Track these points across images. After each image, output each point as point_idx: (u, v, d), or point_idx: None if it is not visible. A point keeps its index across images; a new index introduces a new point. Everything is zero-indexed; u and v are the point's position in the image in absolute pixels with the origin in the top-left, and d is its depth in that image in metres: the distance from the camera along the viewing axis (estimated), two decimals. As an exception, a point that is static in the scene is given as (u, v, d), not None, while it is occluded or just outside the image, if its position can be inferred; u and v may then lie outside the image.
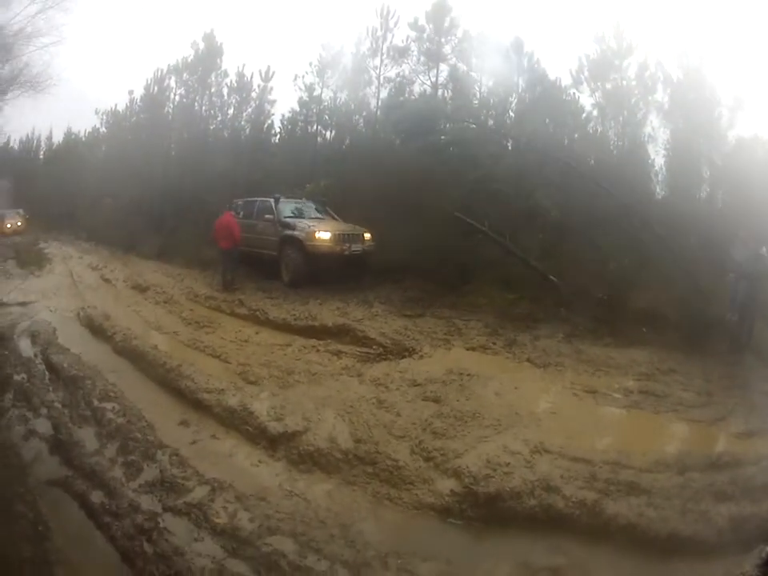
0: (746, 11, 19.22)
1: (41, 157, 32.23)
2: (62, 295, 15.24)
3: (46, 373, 9.69)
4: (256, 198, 18.33)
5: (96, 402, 8.35)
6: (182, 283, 16.33)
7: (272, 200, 17.48)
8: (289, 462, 7.11)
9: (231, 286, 16.24)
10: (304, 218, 17.34)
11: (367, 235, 16.58)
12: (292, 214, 17.31)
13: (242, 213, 18.21)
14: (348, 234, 16.22)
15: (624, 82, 19.31)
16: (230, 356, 10.72)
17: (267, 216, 17.13)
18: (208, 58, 24.52)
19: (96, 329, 12.08)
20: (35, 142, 32.28)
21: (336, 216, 18.11)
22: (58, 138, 31.95)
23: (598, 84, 19.55)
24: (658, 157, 19.19)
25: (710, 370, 10.69)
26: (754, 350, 11.61)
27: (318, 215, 18.08)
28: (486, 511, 6.16)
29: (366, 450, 7.12)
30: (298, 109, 23.35)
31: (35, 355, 10.58)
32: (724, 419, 8.71)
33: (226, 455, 7.28)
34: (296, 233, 16.06)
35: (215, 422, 8.12)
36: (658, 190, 19.22)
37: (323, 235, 15.72)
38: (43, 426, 7.72)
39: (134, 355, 10.52)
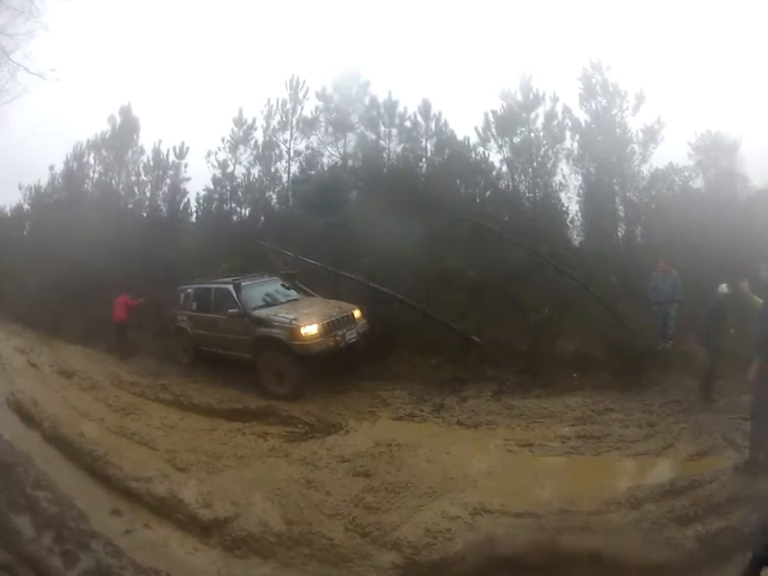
0: (650, 42, 19.90)
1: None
2: (-9, 378, 14.83)
3: (-21, 457, 9.51)
4: (209, 285, 15.40)
5: (29, 490, 8.31)
6: (106, 369, 15.61)
7: (231, 286, 14.42)
8: (224, 549, 7.22)
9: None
10: (276, 303, 14.45)
11: (357, 313, 14.03)
12: (261, 301, 14.29)
13: (195, 304, 15.46)
14: (338, 319, 13.36)
15: (532, 134, 19.87)
16: (157, 442, 10.68)
17: (231, 310, 13.90)
18: (125, 133, 24.34)
19: (25, 414, 11.94)
20: (-39, 214, 31.42)
21: (311, 291, 15.57)
22: (-16, 211, 31.17)
23: (506, 139, 20.07)
24: (571, 204, 19.79)
25: (650, 402, 11.13)
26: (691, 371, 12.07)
27: (290, 295, 15.16)
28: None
29: (300, 531, 7.25)
30: (212, 186, 23.19)
31: (-34, 438, 10.35)
32: (671, 446, 9.20)
33: (161, 544, 7.35)
34: (274, 331, 13.01)
35: (147, 511, 8.15)
36: (574, 236, 19.85)
37: (310, 330, 12.65)
38: (-21, 510, 7.62)
39: (63, 443, 10.45)
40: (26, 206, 28.50)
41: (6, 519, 7.46)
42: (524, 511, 7.25)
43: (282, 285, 15.55)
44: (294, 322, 12.77)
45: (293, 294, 15.32)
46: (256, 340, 13.30)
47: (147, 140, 24.43)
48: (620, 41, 20.72)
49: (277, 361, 12.94)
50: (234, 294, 14.16)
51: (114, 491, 8.77)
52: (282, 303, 14.50)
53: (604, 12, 20.92)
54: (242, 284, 14.48)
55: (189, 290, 15.90)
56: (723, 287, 11.52)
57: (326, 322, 12.96)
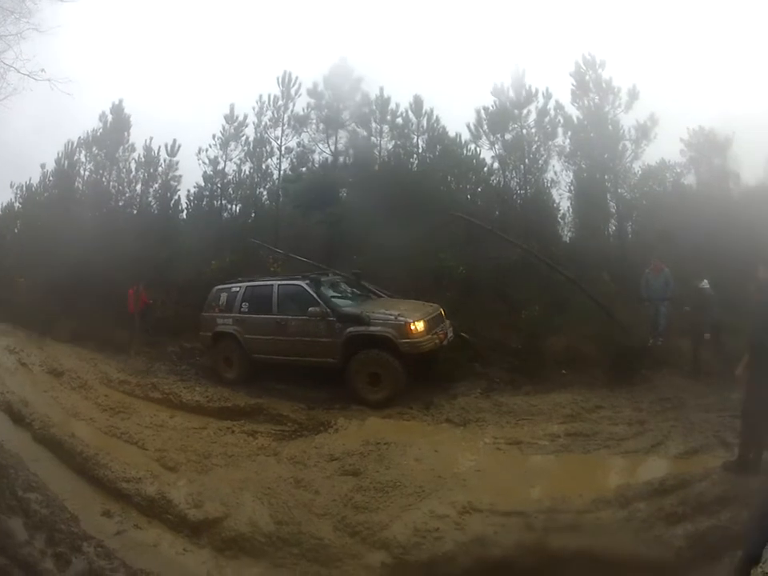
0: (643, 38, 19.97)
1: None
2: (-19, 380, 14.74)
3: (-30, 458, 9.46)
4: (269, 281, 14.06)
5: (21, 492, 8.28)
6: (95, 368, 15.50)
7: (305, 284, 13.14)
8: (214, 549, 7.23)
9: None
10: (352, 300, 13.44)
11: (442, 311, 13.21)
12: (339, 300, 13.15)
13: (245, 305, 13.86)
14: (434, 317, 12.58)
15: (524, 131, 20.03)
16: (147, 442, 10.61)
17: (313, 308, 12.55)
18: (116, 131, 24.35)
19: (15, 415, 11.88)
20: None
21: (378, 291, 14.54)
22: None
23: (498, 136, 20.20)
24: (563, 200, 20.09)
25: (640, 399, 11.16)
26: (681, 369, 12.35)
27: (360, 294, 14.09)
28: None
29: (289, 531, 7.24)
30: (203, 183, 23.23)
31: (-44, 438, 10.32)
32: (661, 444, 9.16)
33: (151, 545, 7.35)
34: (376, 329, 11.94)
35: (137, 512, 8.14)
36: (565, 232, 20.12)
37: (419, 326, 11.77)
38: (-27, 513, 7.59)
39: (53, 444, 10.40)
40: (17, 205, 28.47)
41: None
42: (513, 510, 7.21)
43: (345, 282, 14.53)
44: (400, 318, 11.87)
45: (362, 293, 14.23)
46: (347, 340, 12.22)
47: (138, 138, 24.60)
48: (613, 37, 20.90)
49: (374, 362, 11.91)
50: (312, 292, 12.89)
51: (104, 492, 8.73)
52: (359, 302, 13.39)
53: (597, 8, 21.04)
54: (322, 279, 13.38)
55: (234, 289, 14.29)
56: (705, 283, 12.07)
57: (427, 318, 12.16)
